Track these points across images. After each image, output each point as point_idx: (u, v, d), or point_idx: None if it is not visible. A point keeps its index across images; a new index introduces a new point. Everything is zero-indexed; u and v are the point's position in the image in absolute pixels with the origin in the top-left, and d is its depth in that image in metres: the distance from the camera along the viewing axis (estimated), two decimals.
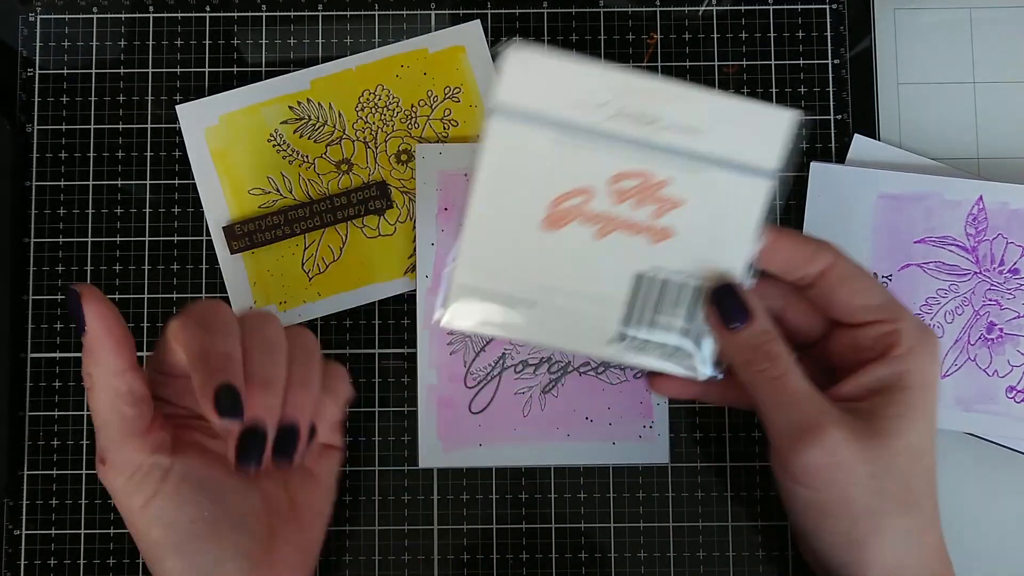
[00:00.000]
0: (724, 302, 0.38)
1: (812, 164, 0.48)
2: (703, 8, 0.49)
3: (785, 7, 0.49)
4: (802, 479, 0.37)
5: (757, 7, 0.49)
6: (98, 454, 0.35)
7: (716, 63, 0.49)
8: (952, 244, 0.47)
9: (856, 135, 0.48)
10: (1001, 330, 0.47)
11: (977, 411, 0.46)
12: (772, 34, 0.49)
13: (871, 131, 0.48)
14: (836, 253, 0.38)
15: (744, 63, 0.49)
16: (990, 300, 0.47)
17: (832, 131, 0.49)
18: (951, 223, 0.47)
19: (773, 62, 0.49)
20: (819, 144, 0.49)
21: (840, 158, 0.48)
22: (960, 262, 0.47)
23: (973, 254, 0.47)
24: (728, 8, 0.49)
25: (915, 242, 0.47)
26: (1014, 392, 0.46)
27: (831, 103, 0.49)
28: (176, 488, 0.35)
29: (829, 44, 0.49)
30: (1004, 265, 0.47)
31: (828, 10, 0.49)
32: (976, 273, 0.47)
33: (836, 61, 0.49)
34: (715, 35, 0.49)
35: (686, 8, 0.49)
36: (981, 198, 0.47)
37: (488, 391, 0.47)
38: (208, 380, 0.33)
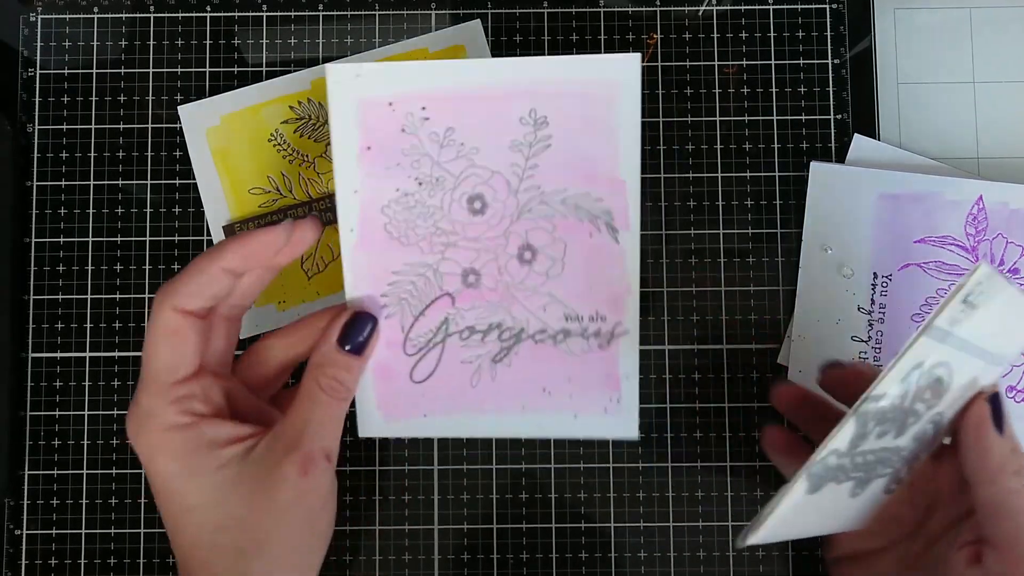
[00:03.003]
0: (997, 405, 0.37)
1: (812, 164, 0.48)
2: (703, 8, 0.49)
3: (785, 7, 0.49)
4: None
5: (757, 7, 0.49)
6: None
7: (716, 63, 0.49)
8: (952, 244, 0.47)
9: (856, 135, 0.48)
10: None
11: None
12: (772, 34, 0.49)
13: (871, 131, 0.48)
14: None
15: (744, 63, 0.49)
16: None
17: (832, 131, 0.49)
18: (951, 223, 0.47)
19: (773, 62, 0.49)
20: (819, 144, 0.49)
21: (840, 158, 0.48)
22: (960, 262, 0.47)
23: (973, 254, 0.47)
24: (728, 8, 0.49)
25: (915, 242, 0.47)
26: (1014, 392, 0.46)
27: (831, 103, 0.49)
28: None
29: (829, 44, 0.49)
30: (1004, 265, 0.47)
31: (828, 10, 0.49)
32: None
33: (836, 61, 0.49)
34: (715, 35, 0.49)
35: (686, 8, 0.50)
36: (981, 198, 0.47)
37: (431, 359, 0.41)
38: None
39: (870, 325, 0.47)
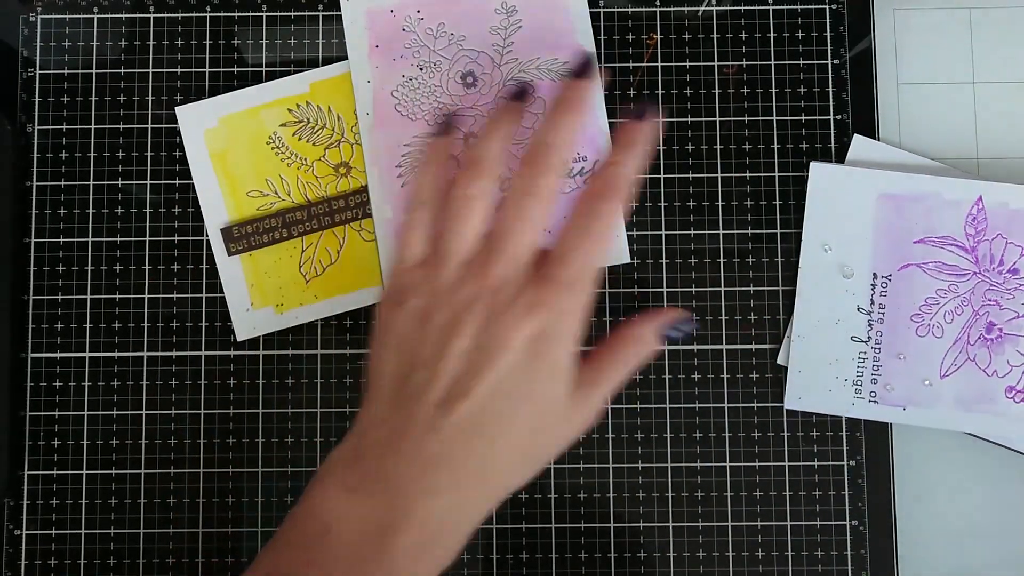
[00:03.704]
0: None
1: (812, 164, 0.48)
2: (703, 8, 0.49)
3: (785, 7, 0.49)
4: None
5: (757, 7, 0.49)
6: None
7: (716, 63, 0.49)
8: (952, 244, 0.47)
9: (856, 135, 0.48)
10: (1001, 330, 0.47)
11: (977, 411, 0.46)
12: (772, 34, 0.49)
13: (871, 131, 0.48)
14: None
15: (744, 63, 0.49)
16: (989, 300, 0.46)
17: (832, 131, 0.49)
18: (951, 223, 0.47)
19: (773, 62, 0.49)
20: (819, 144, 0.49)
21: (840, 158, 0.48)
22: (960, 262, 0.47)
23: (973, 254, 0.47)
24: (728, 8, 0.49)
25: (915, 242, 0.47)
26: (1013, 392, 0.46)
27: (831, 103, 0.49)
28: None
29: (829, 44, 0.49)
30: (1004, 265, 0.47)
31: (828, 10, 0.49)
32: (976, 273, 0.47)
33: (836, 61, 0.49)
34: (715, 35, 0.49)
35: (686, 8, 0.49)
36: (981, 198, 0.47)
37: None
38: None
39: (870, 325, 0.47)
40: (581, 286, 0.37)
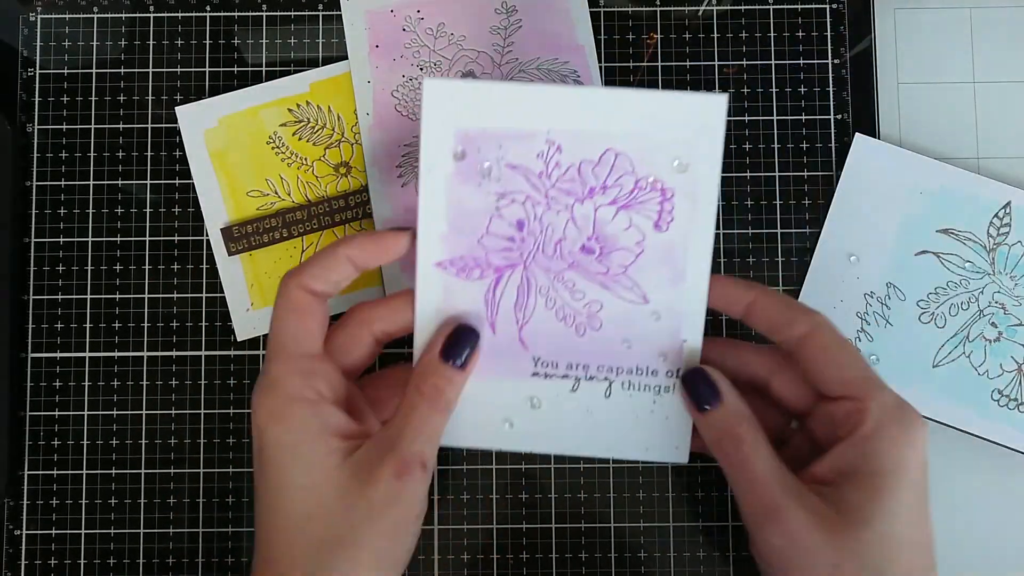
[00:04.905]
0: (695, 385, 0.39)
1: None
2: (703, 8, 0.49)
3: (785, 7, 0.49)
4: (766, 559, 0.37)
5: (757, 7, 0.49)
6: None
7: (716, 63, 0.49)
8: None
9: (857, 135, 0.48)
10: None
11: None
12: (772, 34, 0.49)
13: (871, 131, 0.48)
14: (819, 321, 0.37)
15: (744, 63, 0.49)
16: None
17: (832, 131, 0.49)
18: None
19: (773, 62, 0.49)
20: (819, 144, 0.49)
21: (840, 158, 0.48)
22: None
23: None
24: (728, 8, 0.49)
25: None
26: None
27: (831, 103, 0.49)
28: None
29: (829, 44, 0.49)
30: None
31: (828, 10, 0.49)
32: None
33: (836, 61, 0.49)
34: (715, 35, 0.49)
35: (686, 8, 0.49)
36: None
37: None
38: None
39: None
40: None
